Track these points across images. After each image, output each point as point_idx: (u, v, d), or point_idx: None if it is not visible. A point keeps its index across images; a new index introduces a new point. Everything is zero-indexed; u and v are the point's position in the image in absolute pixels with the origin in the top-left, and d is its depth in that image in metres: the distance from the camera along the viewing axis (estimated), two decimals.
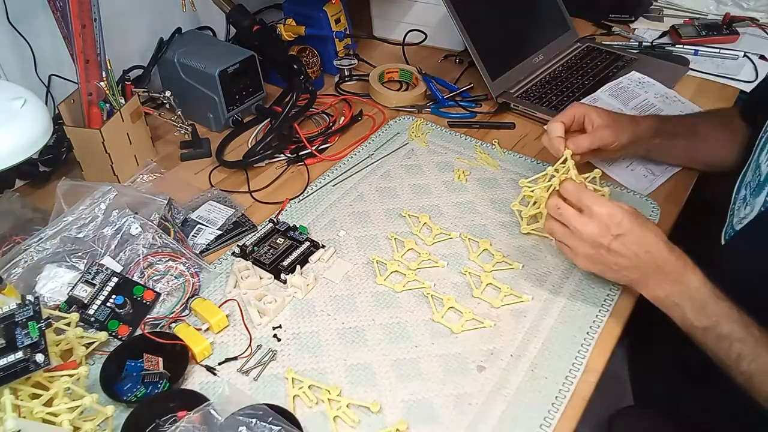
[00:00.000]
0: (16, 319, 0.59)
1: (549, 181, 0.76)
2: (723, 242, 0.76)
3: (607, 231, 0.66)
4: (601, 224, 0.66)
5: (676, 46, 1.27)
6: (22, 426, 0.53)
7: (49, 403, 0.57)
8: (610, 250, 0.67)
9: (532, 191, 0.79)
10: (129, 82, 0.96)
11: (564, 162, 0.76)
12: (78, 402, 0.58)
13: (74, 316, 0.67)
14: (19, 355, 0.57)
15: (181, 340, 0.67)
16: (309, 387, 0.64)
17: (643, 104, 1.05)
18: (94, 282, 0.71)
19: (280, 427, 0.56)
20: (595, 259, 0.68)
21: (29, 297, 0.61)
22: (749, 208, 0.72)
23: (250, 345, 0.69)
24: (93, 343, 0.67)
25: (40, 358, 0.57)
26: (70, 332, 0.65)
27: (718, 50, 1.23)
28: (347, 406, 0.62)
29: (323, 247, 0.81)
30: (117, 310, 0.70)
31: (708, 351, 0.64)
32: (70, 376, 0.60)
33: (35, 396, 0.58)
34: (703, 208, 0.88)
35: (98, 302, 0.70)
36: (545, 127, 0.83)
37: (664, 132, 0.87)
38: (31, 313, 0.60)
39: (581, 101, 0.95)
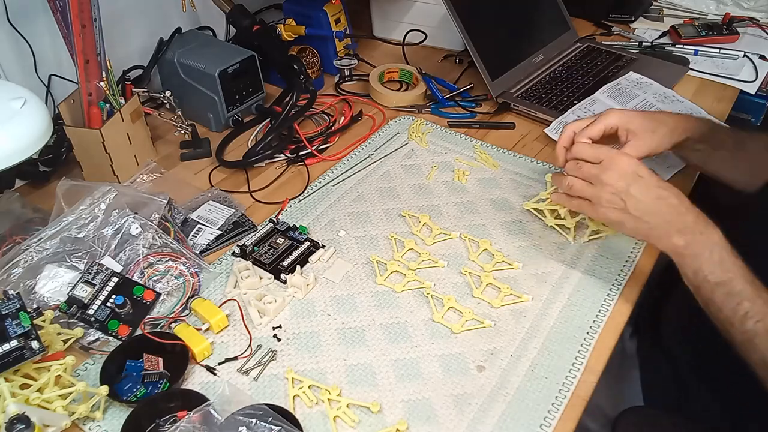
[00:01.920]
0: (4, 312, 0.61)
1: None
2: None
3: (626, 175, 0.68)
4: (620, 169, 0.69)
5: (676, 46, 1.27)
6: (24, 409, 0.55)
7: (39, 392, 0.59)
8: (630, 194, 0.68)
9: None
10: (129, 82, 0.95)
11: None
12: (70, 389, 0.59)
13: (49, 314, 0.68)
14: (14, 343, 0.59)
15: (181, 340, 0.67)
16: (309, 387, 0.64)
17: (642, 104, 1.05)
18: (94, 282, 0.71)
19: (280, 427, 0.56)
20: (616, 204, 0.69)
21: (11, 291, 0.63)
22: None
23: (250, 345, 0.69)
24: (70, 339, 0.68)
25: (35, 345, 0.60)
26: (47, 328, 0.67)
27: (718, 50, 1.24)
28: (347, 406, 0.62)
29: (323, 247, 0.81)
30: (117, 310, 0.70)
31: (712, 306, 0.64)
32: (60, 365, 0.61)
33: (25, 386, 0.59)
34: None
35: (98, 302, 0.70)
36: (563, 139, 0.78)
37: (711, 139, 0.80)
38: (18, 306, 0.62)
39: (611, 111, 0.81)
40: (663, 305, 0.78)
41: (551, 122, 1.03)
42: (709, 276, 0.64)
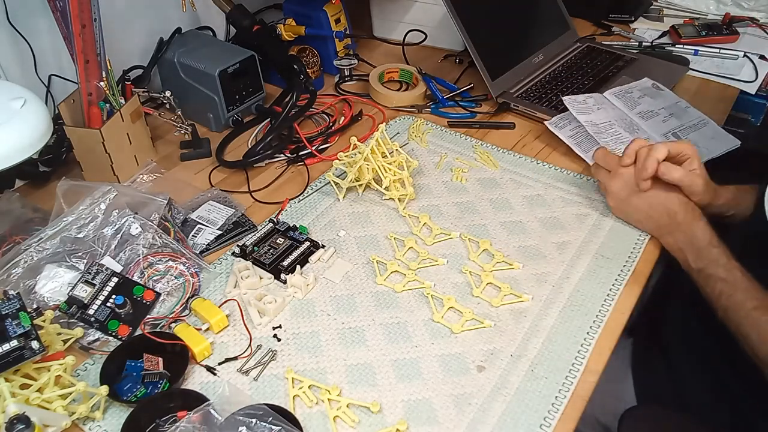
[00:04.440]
0: (3, 312, 0.61)
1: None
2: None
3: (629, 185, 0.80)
4: (630, 178, 0.80)
5: (676, 46, 1.27)
6: (24, 409, 0.55)
7: (39, 392, 0.59)
8: (643, 192, 0.79)
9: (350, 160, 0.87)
10: (129, 82, 0.95)
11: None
12: (70, 389, 0.59)
13: (49, 314, 0.68)
14: (14, 343, 0.59)
15: (181, 340, 0.67)
16: (309, 387, 0.64)
17: (648, 112, 1.03)
18: (94, 282, 0.71)
19: (280, 427, 0.56)
20: (631, 198, 0.81)
21: (11, 291, 0.63)
22: None
23: (250, 345, 0.69)
24: (70, 339, 0.68)
25: (35, 345, 0.60)
26: (47, 328, 0.67)
27: (718, 50, 1.24)
28: (347, 406, 0.62)
29: (323, 247, 0.81)
30: (117, 310, 0.70)
31: (701, 291, 0.75)
32: (60, 365, 0.61)
33: (25, 386, 0.59)
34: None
35: (98, 302, 0.70)
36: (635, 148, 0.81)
37: (740, 206, 0.83)
38: (18, 306, 0.62)
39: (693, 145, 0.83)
40: (664, 305, 0.80)
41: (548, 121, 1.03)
42: (692, 264, 0.75)
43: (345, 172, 0.88)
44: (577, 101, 1.02)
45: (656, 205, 0.79)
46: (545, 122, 1.00)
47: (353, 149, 0.89)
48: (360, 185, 0.89)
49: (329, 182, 0.90)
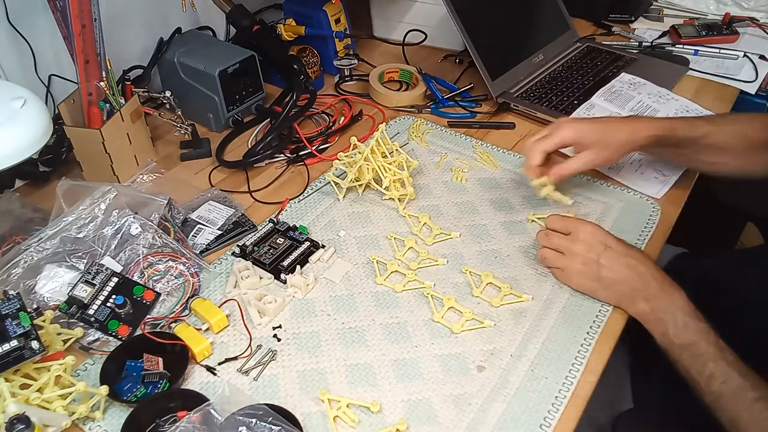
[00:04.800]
0: (3, 312, 0.61)
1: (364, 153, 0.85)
2: None
3: (595, 246, 0.72)
4: (588, 241, 0.72)
5: (676, 46, 1.27)
6: (24, 409, 0.55)
7: (39, 392, 0.59)
8: (600, 264, 0.71)
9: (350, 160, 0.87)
10: (129, 82, 0.96)
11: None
12: (70, 389, 0.59)
13: (49, 314, 0.68)
14: (14, 343, 0.59)
15: (181, 340, 0.67)
16: (347, 406, 0.62)
17: (639, 106, 1.05)
18: (94, 282, 0.71)
19: (280, 427, 0.56)
20: (587, 274, 0.72)
21: (11, 291, 0.63)
22: None
23: (250, 345, 0.69)
24: (70, 339, 0.68)
25: (35, 345, 0.60)
26: (47, 328, 0.67)
27: (718, 50, 1.23)
28: (347, 406, 0.62)
29: (323, 247, 0.81)
30: (117, 310, 0.70)
31: (681, 368, 0.67)
32: (60, 365, 0.61)
33: (25, 386, 0.59)
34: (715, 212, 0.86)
35: (98, 302, 0.70)
36: (526, 150, 0.81)
37: (667, 143, 0.81)
38: (18, 306, 0.62)
39: (572, 116, 0.84)
40: None
41: (551, 122, 1.03)
42: (675, 339, 0.66)
43: (345, 172, 0.88)
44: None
45: (624, 260, 0.71)
46: None
47: (353, 149, 0.89)
48: (360, 185, 0.89)
49: (329, 182, 0.90)
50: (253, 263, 0.78)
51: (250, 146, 0.99)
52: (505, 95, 1.09)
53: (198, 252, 0.79)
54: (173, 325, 0.70)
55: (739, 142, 0.81)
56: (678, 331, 0.66)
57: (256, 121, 1.05)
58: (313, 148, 0.98)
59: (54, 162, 0.93)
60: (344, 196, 0.89)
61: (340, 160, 0.89)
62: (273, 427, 0.56)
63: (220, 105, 1.00)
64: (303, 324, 0.72)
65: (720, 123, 0.83)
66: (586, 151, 0.79)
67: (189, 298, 0.73)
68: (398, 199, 0.87)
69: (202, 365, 0.67)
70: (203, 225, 0.83)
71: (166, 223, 0.80)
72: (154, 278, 0.75)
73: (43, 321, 0.67)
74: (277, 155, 0.97)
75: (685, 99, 1.07)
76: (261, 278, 0.76)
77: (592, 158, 0.79)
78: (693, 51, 1.24)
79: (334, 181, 0.89)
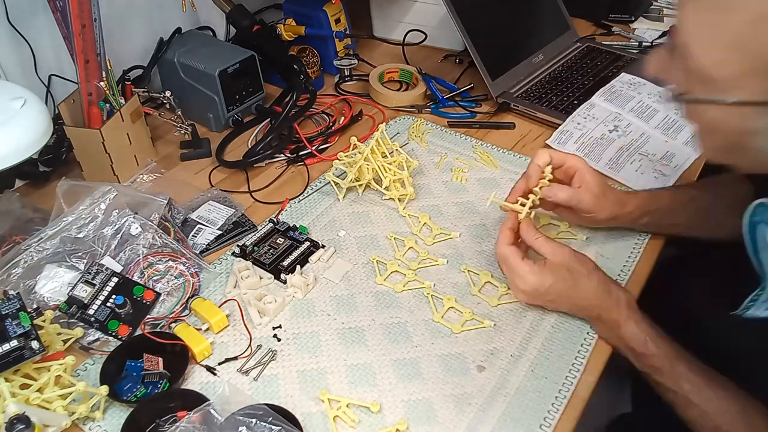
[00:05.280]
0: (3, 312, 0.61)
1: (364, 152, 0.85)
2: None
3: (544, 281, 0.68)
4: (540, 276, 0.68)
5: None
6: (24, 409, 0.55)
7: (39, 392, 0.59)
8: (548, 296, 0.70)
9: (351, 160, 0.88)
10: (129, 82, 0.95)
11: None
12: (70, 389, 0.59)
13: (49, 314, 0.68)
14: (14, 343, 0.59)
15: (181, 340, 0.67)
16: (347, 406, 0.62)
17: (639, 105, 1.04)
18: (94, 282, 0.71)
19: (280, 427, 0.56)
20: (535, 298, 0.71)
21: (11, 291, 0.63)
22: None
23: (250, 345, 0.69)
24: (70, 339, 0.68)
25: (35, 345, 0.60)
26: (47, 328, 0.67)
27: None
28: (347, 406, 0.62)
29: (323, 247, 0.81)
30: (117, 310, 0.70)
31: (662, 393, 0.67)
32: (60, 365, 0.61)
33: (25, 386, 0.59)
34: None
35: (98, 302, 0.70)
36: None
37: (655, 212, 0.79)
38: (18, 306, 0.62)
39: (581, 157, 0.79)
40: (655, 309, 0.78)
41: (551, 122, 1.03)
42: (636, 365, 0.67)
43: (345, 172, 0.88)
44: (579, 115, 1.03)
45: (571, 296, 0.69)
46: (547, 141, 0.99)
47: (353, 149, 0.89)
48: (360, 185, 0.89)
49: (329, 182, 0.90)
50: (253, 263, 0.78)
51: (250, 146, 0.99)
52: (505, 95, 1.09)
53: (198, 252, 0.80)
54: (173, 325, 0.70)
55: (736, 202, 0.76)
56: (634, 360, 0.67)
57: (256, 121, 1.05)
58: (313, 148, 0.98)
59: (54, 162, 0.93)
60: (344, 196, 0.89)
61: (340, 160, 0.89)
62: (273, 427, 0.56)
63: (220, 105, 1.00)
64: (303, 324, 0.72)
65: (707, 185, 0.81)
66: (582, 189, 0.75)
67: (189, 298, 0.73)
68: (398, 199, 0.87)
69: (202, 365, 0.67)
70: (203, 225, 0.83)
71: (166, 223, 0.80)
72: (154, 278, 0.75)
73: (43, 321, 0.67)
74: (277, 155, 0.97)
75: None
76: (261, 278, 0.76)
77: (583, 198, 0.75)
78: None
79: (334, 181, 0.89)
